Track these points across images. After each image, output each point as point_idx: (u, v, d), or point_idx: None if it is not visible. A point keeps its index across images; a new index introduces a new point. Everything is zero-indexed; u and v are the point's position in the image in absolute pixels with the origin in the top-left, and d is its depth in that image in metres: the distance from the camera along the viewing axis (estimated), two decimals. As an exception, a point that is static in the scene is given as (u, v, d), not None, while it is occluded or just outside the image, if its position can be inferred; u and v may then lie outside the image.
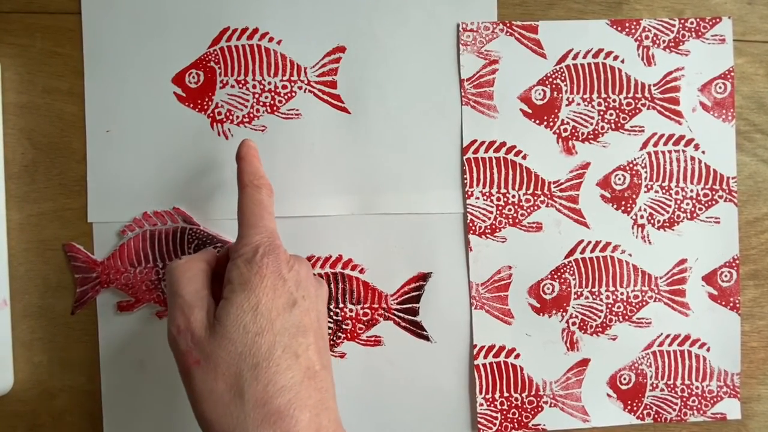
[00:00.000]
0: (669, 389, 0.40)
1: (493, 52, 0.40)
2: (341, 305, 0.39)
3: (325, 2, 0.39)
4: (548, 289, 0.40)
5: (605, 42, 0.40)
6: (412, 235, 0.39)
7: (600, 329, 0.40)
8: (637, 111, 0.40)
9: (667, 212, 0.40)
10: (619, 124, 0.40)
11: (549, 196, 0.40)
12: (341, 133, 0.39)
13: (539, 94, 0.40)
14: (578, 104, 0.40)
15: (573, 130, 0.40)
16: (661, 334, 0.40)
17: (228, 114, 0.39)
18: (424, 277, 0.39)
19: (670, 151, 0.40)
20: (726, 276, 0.40)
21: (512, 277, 0.40)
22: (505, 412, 0.40)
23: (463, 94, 0.40)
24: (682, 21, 0.40)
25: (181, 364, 0.29)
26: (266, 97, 0.39)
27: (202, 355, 0.29)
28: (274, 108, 0.39)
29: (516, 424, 0.40)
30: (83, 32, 0.38)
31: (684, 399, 0.40)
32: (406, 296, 0.39)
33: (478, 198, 0.40)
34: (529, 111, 0.40)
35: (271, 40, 0.39)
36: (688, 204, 0.40)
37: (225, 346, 0.28)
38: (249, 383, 0.28)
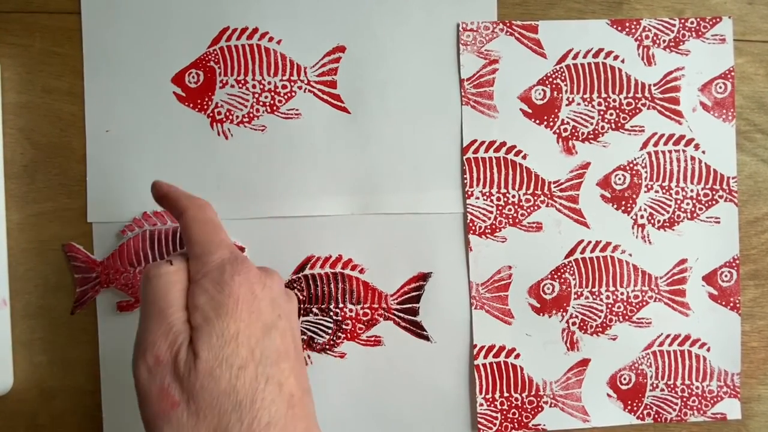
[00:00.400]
0: (669, 389, 0.40)
1: (493, 52, 0.40)
2: (341, 305, 0.39)
3: (325, 2, 0.39)
4: (548, 289, 0.40)
5: (605, 42, 0.40)
6: (412, 235, 0.39)
7: (600, 329, 0.40)
8: (638, 111, 0.40)
9: (668, 212, 0.40)
10: (619, 124, 0.40)
11: (549, 196, 0.40)
12: (341, 133, 0.39)
13: (539, 93, 0.40)
14: (578, 104, 0.40)
15: (573, 130, 0.40)
16: (661, 334, 0.40)
17: (228, 114, 0.39)
18: (424, 277, 0.39)
19: (670, 151, 0.40)
20: (726, 276, 0.40)
21: (512, 277, 0.40)
22: (505, 412, 0.40)
23: (463, 93, 0.40)
24: (683, 21, 0.40)
25: (153, 405, 0.25)
26: (266, 97, 0.39)
27: (183, 395, 0.25)
28: (274, 108, 0.39)
29: (516, 424, 0.40)
30: (83, 32, 0.38)
31: (684, 399, 0.40)
32: (406, 296, 0.39)
33: (478, 198, 0.40)
34: (529, 111, 0.40)
35: (271, 39, 0.39)
36: (688, 204, 0.40)
37: (207, 385, 0.24)
38: (233, 425, 0.24)
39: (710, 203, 0.40)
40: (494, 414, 0.39)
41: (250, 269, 0.27)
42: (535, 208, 0.40)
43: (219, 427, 0.24)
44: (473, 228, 0.39)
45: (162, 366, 0.25)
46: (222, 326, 0.25)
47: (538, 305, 0.40)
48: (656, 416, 0.40)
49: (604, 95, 0.40)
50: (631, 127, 0.40)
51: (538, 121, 0.40)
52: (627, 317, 0.40)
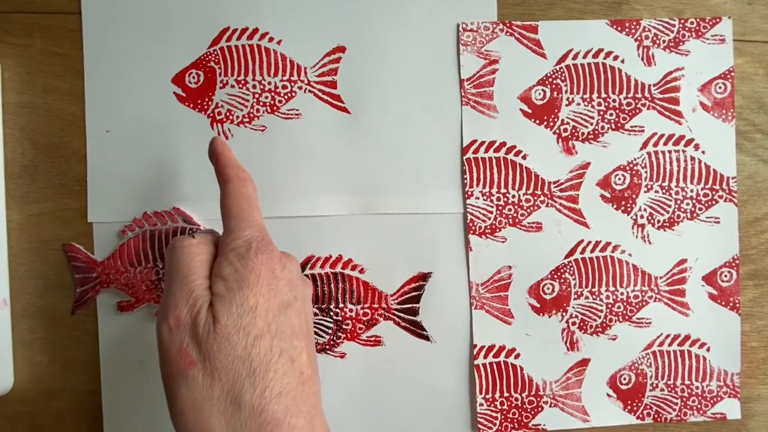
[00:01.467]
0: (669, 389, 0.40)
1: (493, 52, 0.40)
2: (341, 305, 0.39)
3: (325, 2, 0.39)
4: (548, 289, 0.40)
5: (605, 42, 0.40)
6: (412, 235, 0.39)
7: (600, 329, 0.40)
8: (637, 111, 0.40)
9: (667, 212, 0.40)
10: (619, 124, 0.40)
11: (549, 196, 0.40)
12: (341, 133, 0.39)
13: (539, 94, 0.40)
14: (578, 104, 0.40)
15: (573, 130, 0.40)
16: (661, 334, 0.40)
17: (228, 114, 0.39)
18: (424, 277, 0.39)
19: (670, 151, 0.40)
20: (726, 276, 0.40)
21: (512, 277, 0.40)
22: (505, 412, 0.40)
23: (463, 94, 0.40)
24: (682, 21, 0.40)
25: (172, 363, 0.26)
26: (266, 97, 0.39)
27: (201, 356, 0.26)
28: (274, 108, 0.39)
29: (516, 424, 0.40)
30: (83, 32, 0.38)
31: (684, 399, 0.40)
32: (406, 296, 0.39)
33: (478, 198, 0.40)
34: (529, 111, 0.40)
35: (271, 40, 0.39)
36: (688, 204, 0.40)
37: (224, 349, 0.26)
38: (246, 390, 0.26)
39: (710, 203, 0.40)
40: (494, 414, 0.39)
41: (273, 250, 0.29)
42: (535, 208, 0.40)
43: (232, 390, 0.26)
44: (473, 228, 0.39)
45: (182, 327, 0.27)
46: (242, 297, 0.27)
47: (538, 305, 0.40)
48: (656, 416, 0.40)
49: (604, 95, 0.40)
50: (631, 127, 0.40)
51: (538, 121, 0.40)
52: (627, 317, 0.40)
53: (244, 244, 0.29)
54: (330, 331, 0.39)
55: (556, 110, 0.40)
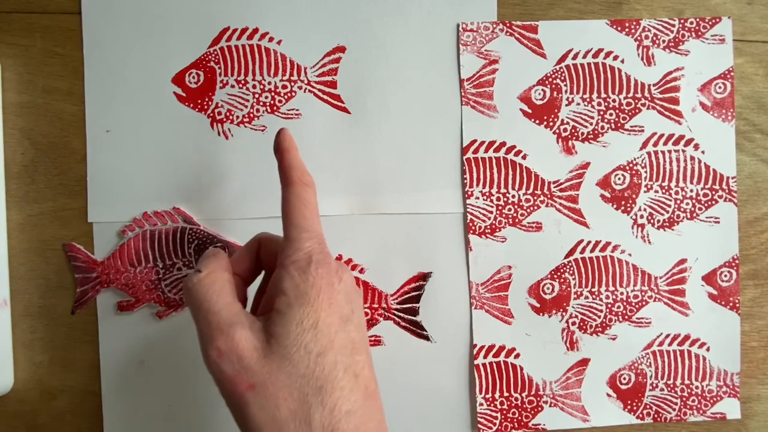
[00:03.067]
0: (669, 389, 0.40)
1: (493, 52, 0.40)
2: (341, 305, 0.39)
3: (325, 2, 0.39)
4: (548, 289, 0.40)
5: (605, 42, 0.40)
6: (412, 235, 0.39)
7: (600, 329, 0.40)
8: (637, 111, 0.40)
9: (667, 212, 0.40)
10: (619, 124, 0.40)
11: (549, 196, 0.40)
12: (341, 133, 0.39)
13: (539, 94, 0.40)
14: (578, 104, 0.40)
15: (573, 130, 0.40)
16: (661, 333, 0.40)
17: (228, 114, 0.39)
18: (424, 277, 0.39)
19: (669, 151, 0.40)
20: (726, 276, 0.40)
21: (512, 277, 0.40)
22: (505, 412, 0.40)
23: (463, 94, 0.40)
24: (682, 21, 0.40)
25: (230, 390, 0.26)
26: (266, 97, 0.39)
27: (257, 378, 0.25)
28: (274, 108, 0.39)
29: (516, 423, 0.40)
30: (83, 32, 0.38)
31: (684, 399, 0.40)
32: (406, 296, 0.39)
33: (478, 198, 0.40)
34: (529, 111, 0.40)
35: (271, 40, 0.39)
36: (687, 204, 0.40)
37: (285, 368, 0.26)
38: (315, 408, 0.25)
39: (710, 203, 0.40)
40: (494, 414, 0.39)
41: (331, 263, 0.29)
42: (535, 208, 0.40)
43: (300, 410, 0.25)
44: (473, 228, 0.39)
45: (225, 356, 0.26)
46: (302, 314, 0.26)
47: (538, 305, 0.40)
48: (656, 416, 0.40)
49: (603, 95, 0.40)
50: (631, 127, 0.40)
51: (538, 121, 0.40)
52: (627, 317, 0.40)
53: (305, 257, 0.28)
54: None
55: (556, 110, 0.40)
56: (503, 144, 0.40)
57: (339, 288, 0.28)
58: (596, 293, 0.40)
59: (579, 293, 0.40)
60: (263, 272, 0.33)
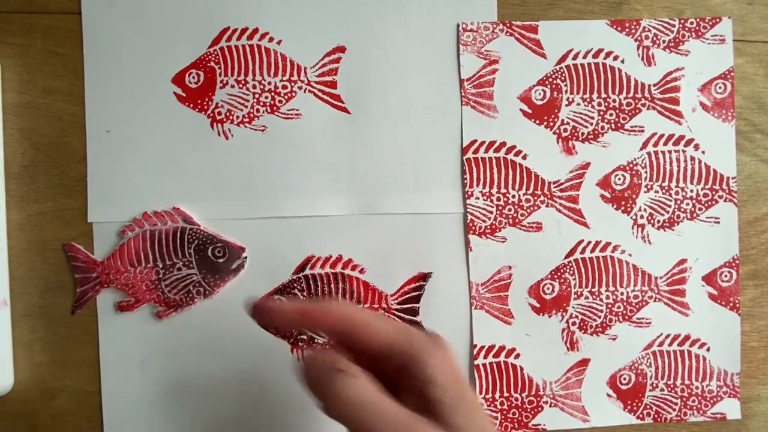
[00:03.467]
0: (669, 389, 0.40)
1: (493, 52, 0.40)
2: (341, 305, 0.39)
3: (325, 2, 0.39)
4: (548, 289, 0.40)
5: (605, 42, 0.40)
6: (412, 235, 0.39)
7: (600, 329, 0.40)
8: (637, 111, 0.40)
9: (667, 212, 0.40)
10: (619, 124, 0.40)
11: (549, 196, 0.40)
12: (341, 133, 0.39)
13: (539, 94, 0.40)
14: (578, 104, 0.40)
15: (573, 130, 0.40)
16: (661, 334, 0.40)
17: (228, 114, 0.39)
18: (424, 277, 0.39)
19: (670, 151, 0.40)
20: (726, 276, 0.40)
21: (512, 277, 0.40)
22: (505, 412, 0.40)
23: (463, 94, 0.40)
24: (682, 21, 0.40)
25: None
26: (266, 97, 0.39)
27: None
28: (274, 108, 0.39)
29: (516, 424, 0.40)
30: (83, 32, 0.38)
31: (684, 399, 0.40)
32: (406, 296, 0.39)
33: (478, 198, 0.40)
34: (529, 111, 0.40)
35: (271, 40, 0.39)
36: (688, 204, 0.40)
37: None
38: None
39: (710, 203, 0.40)
40: (494, 414, 0.39)
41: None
42: (535, 208, 0.40)
43: None
44: (473, 228, 0.39)
45: None
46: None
47: (538, 305, 0.40)
48: (656, 416, 0.40)
49: (603, 95, 0.40)
50: (631, 127, 0.40)
51: (538, 122, 0.40)
52: (627, 317, 0.40)
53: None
54: (330, 331, 0.39)
55: (556, 110, 0.40)
56: (503, 144, 0.40)
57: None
58: (596, 293, 0.40)
59: (579, 293, 0.40)
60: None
